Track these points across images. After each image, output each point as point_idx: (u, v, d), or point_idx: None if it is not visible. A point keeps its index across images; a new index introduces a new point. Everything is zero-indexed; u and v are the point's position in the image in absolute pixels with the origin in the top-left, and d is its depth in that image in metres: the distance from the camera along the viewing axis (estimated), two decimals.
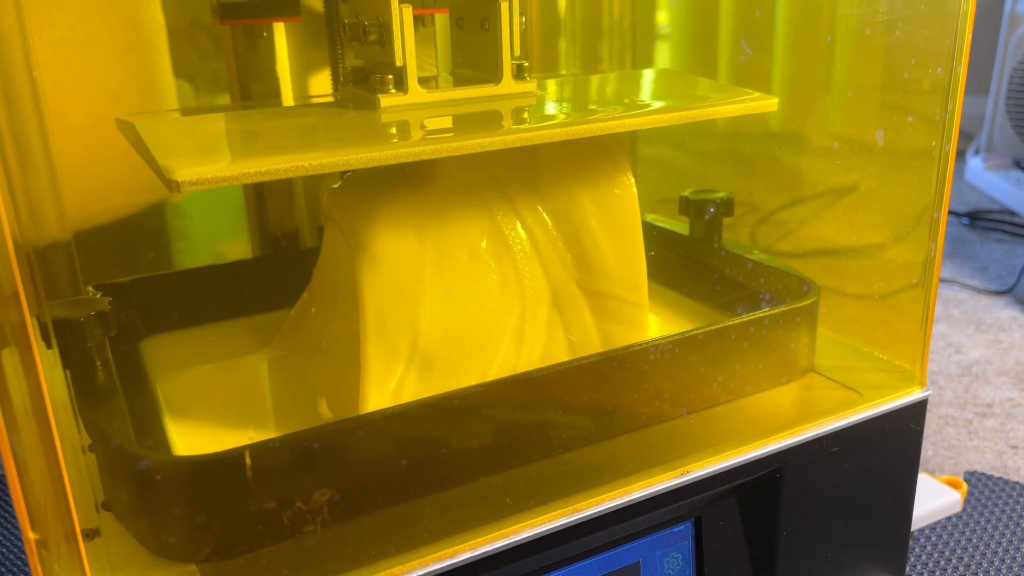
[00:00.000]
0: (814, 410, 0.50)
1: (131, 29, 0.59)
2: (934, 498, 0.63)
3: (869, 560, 0.53)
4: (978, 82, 1.72)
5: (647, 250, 0.51)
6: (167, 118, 0.52)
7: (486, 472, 0.44)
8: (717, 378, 0.50)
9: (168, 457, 0.41)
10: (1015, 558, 0.65)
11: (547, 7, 0.78)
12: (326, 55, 0.59)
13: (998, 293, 1.19)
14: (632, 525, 0.44)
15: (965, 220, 1.48)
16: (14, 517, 0.72)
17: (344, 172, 0.51)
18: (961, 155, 1.76)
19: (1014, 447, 0.82)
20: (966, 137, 1.81)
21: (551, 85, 0.56)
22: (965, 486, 0.65)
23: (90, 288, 0.54)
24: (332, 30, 0.56)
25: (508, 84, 0.48)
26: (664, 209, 0.68)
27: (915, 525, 0.60)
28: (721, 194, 0.62)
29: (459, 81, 0.50)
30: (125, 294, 0.55)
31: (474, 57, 0.50)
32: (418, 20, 0.51)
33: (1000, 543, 0.67)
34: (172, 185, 0.34)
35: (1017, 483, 0.75)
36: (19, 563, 0.67)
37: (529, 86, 0.49)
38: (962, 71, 0.48)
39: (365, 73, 0.48)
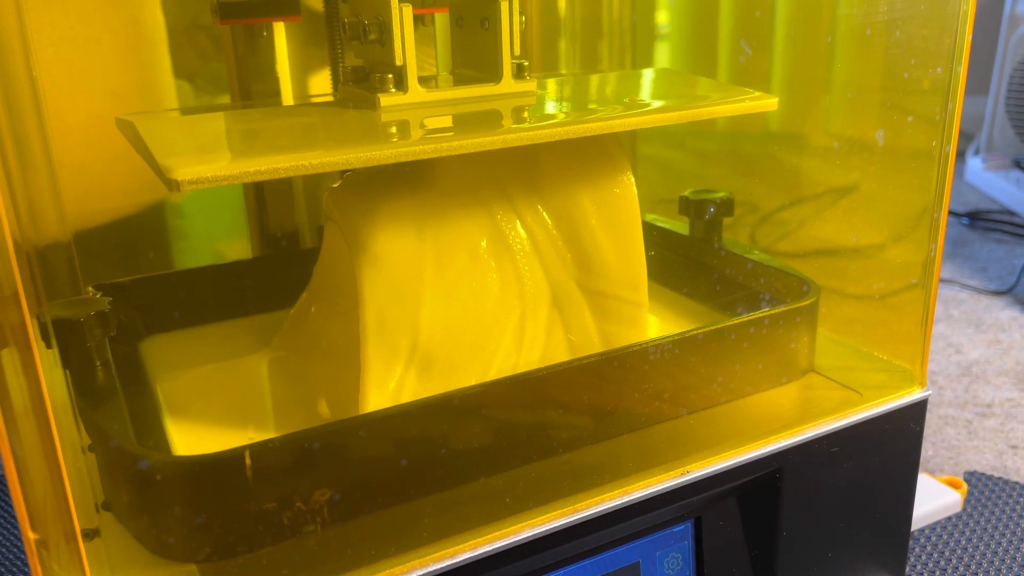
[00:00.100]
0: (814, 410, 0.50)
1: (131, 29, 0.59)
2: (934, 498, 0.63)
3: (869, 560, 0.53)
4: (978, 82, 1.72)
5: (647, 250, 0.51)
6: (167, 117, 0.52)
7: (486, 472, 0.44)
8: (717, 378, 0.50)
9: (168, 457, 0.40)
10: (1015, 558, 0.65)
11: (547, 7, 0.78)
12: (326, 55, 0.59)
13: (998, 293, 1.19)
14: (632, 525, 0.44)
15: (965, 220, 1.48)
16: (14, 517, 0.72)
17: (344, 171, 0.51)
18: (961, 155, 1.76)
19: (1014, 447, 0.82)
20: (966, 137, 1.81)
21: (551, 85, 0.56)
22: (965, 486, 0.65)
23: (90, 288, 0.54)
24: (332, 29, 0.56)
25: (508, 83, 0.48)
26: (664, 209, 0.68)
27: (915, 525, 0.60)
28: (721, 194, 0.62)
29: (459, 80, 0.50)
30: (125, 294, 0.55)
31: (474, 56, 0.50)
32: (418, 19, 0.51)
33: (1000, 543, 0.67)
34: (172, 184, 0.34)
35: (1017, 483, 0.75)
36: (19, 563, 0.67)
37: (529, 85, 0.49)
38: (962, 71, 0.48)
39: (365, 72, 0.48)
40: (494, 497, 0.43)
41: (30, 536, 0.32)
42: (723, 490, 0.47)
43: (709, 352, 0.49)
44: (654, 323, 0.56)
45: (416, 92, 0.46)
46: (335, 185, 0.48)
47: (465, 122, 0.45)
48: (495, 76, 0.48)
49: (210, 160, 0.37)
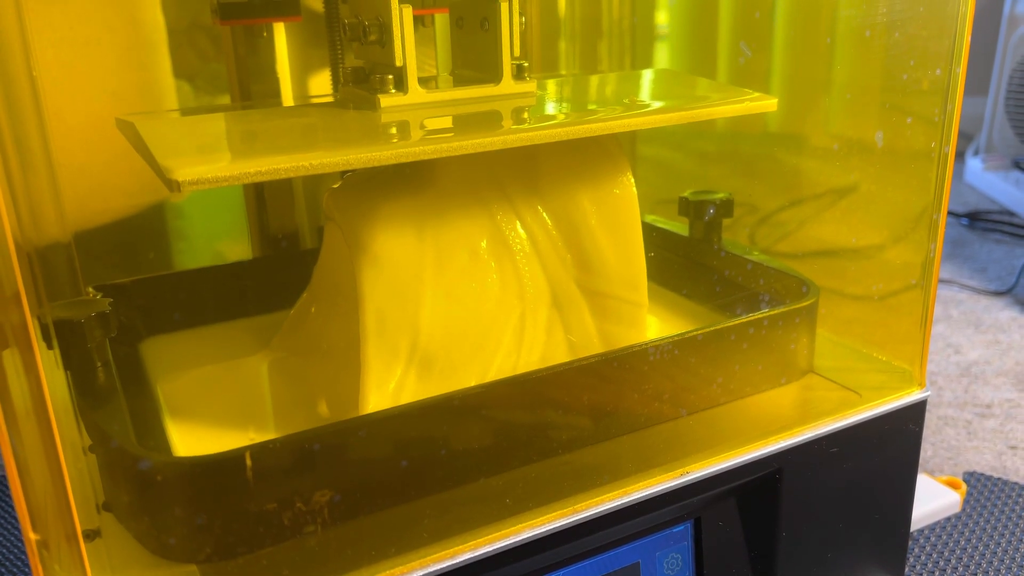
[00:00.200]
0: (813, 411, 0.50)
1: (131, 30, 0.59)
2: (933, 499, 0.64)
3: (868, 560, 0.53)
4: (977, 83, 1.72)
5: (646, 251, 0.51)
6: (167, 118, 0.52)
7: (486, 473, 0.44)
8: (717, 379, 0.50)
9: (168, 458, 0.41)
10: (1014, 558, 0.65)
11: (547, 7, 0.78)
12: (326, 55, 0.59)
13: (997, 294, 1.19)
14: (632, 526, 0.45)
15: (964, 221, 1.48)
16: (15, 518, 0.72)
17: (344, 172, 0.51)
18: (960, 156, 1.76)
19: (1013, 448, 0.82)
20: (965, 138, 1.81)
21: (551, 85, 0.57)
22: (964, 487, 0.65)
23: (90, 289, 0.54)
24: (332, 30, 0.56)
25: (508, 84, 0.48)
26: (664, 210, 0.68)
27: (914, 526, 0.60)
28: (720, 195, 0.62)
29: (459, 81, 0.50)
30: (125, 295, 0.55)
31: (474, 57, 0.50)
32: (418, 20, 0.51)
33: (999, 543, 0.67)
34: (172, 185, 0.34)
35: (1016, 484, 0.75)
36: (19, 563, 0.67)
37: (529, 86, 0.49)
38: (961, 72, 0.48)
39: (365, 73, 0.48)
40: (494, 498, 0.43)
41: (31, 536, 0.32)
42: (723, 491, 0.47)
43: (709, 353, 0.49)
44: (654, 324, 0.56)
45: (416, 93, 0.46)
46: (335, 186, 0.48)
47: (465, 123, 0.45)
48: (495, 77, 0.48)
49: (210, 161, 0.37)
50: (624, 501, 0.43)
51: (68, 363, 0.44)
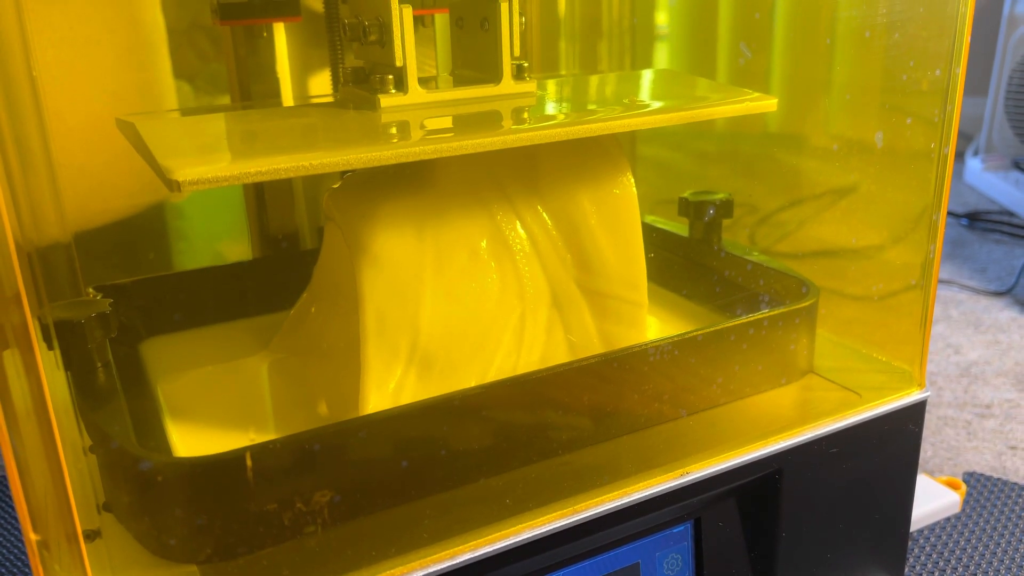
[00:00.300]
0: (813, 411, 0.50)
1: (131, 30, 0.59)
2: (933, 499, 0.64)
3: (868, 561, 0.53)
4: (977, 83, 1.72)
5: (646, 251, 0.51)
6: (167, 118, 0.52)
7: (486, 473, 0.44)
8: (717, 379, 0.50)
9: (169, 458, 0.40)
10: (1014, 559, 0.65)
11: (547, 7, 0.78)
12: (326, 55, 0.59)
13: (997, 294, 1.19)
14: (632, 526, 0.45)
15: (964, 221, 1.48)
16: (15, 518, 0.72)
17: (344, 172, 0.51)
18: (960, 156, 1.76)
19: (1013, 448, 0.82)
20: (965, 138, 1.81)
21: (551, 85, 0.57)
22: (964, 487, 0.65)
23: (90, 289, 0.54)
24: (332, 30, 0.56)
25: (508, 84, 0.48)
26: (663, 210, 0.68)
27: (914, 526, 0.60)
28: (720, 195, 0.62)
29: (459, 81, 0.50)
30: (125, 296, 0.55)
31: (474, 57, 0.50)
32: (418, 20, 0.51)
33: (999, 544, 0.67)
34: (172, 185, 0.34)
35: (1016, 484, 0.75)
36: (20, 563, 0.67)
37: (529, 86, 0.49)
38: (961, 72, 0.48)
39: (365, 73, 0.48)
40: (494, 498, 0.43)
41: (32, 537, 0.32)
42: (723, 491, 0.47)
43: (709, 353, 0.49)
44: (654, 324, 0.56)
45: (416, 93, 0.46)
46: (335, 186, 0.48)
47: (465, 123, 0.45)
48: (495, 77, 0.48)
49: (211, 161, 0.37)
50: (624, 501, 0.43)
51: (68, 364, 0.44)
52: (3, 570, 0.66)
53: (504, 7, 0.46)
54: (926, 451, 0.81)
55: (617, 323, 0.51)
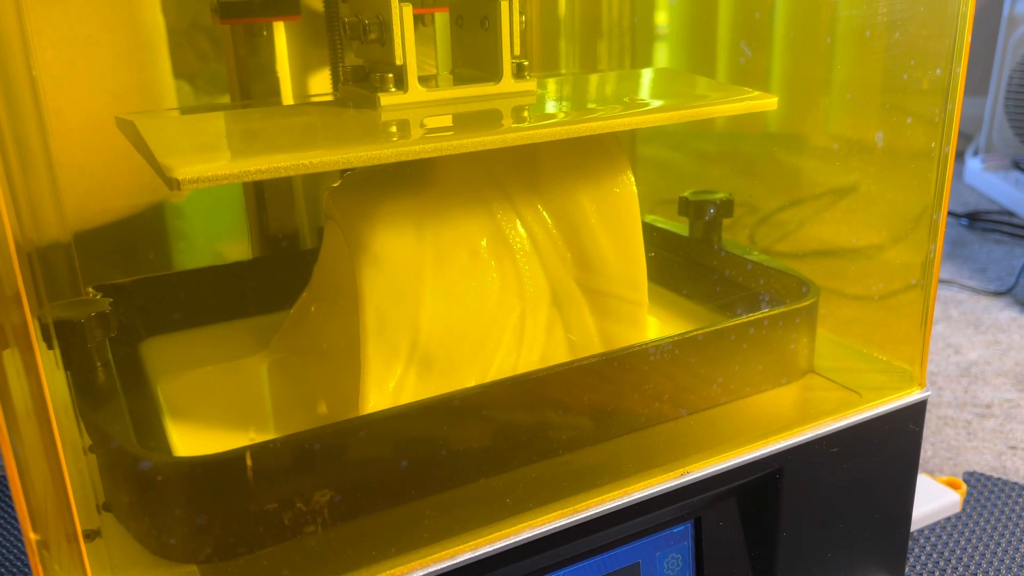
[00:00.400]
0: (814, 411, 0.50)
1: (131, 30, 0.59)
2: (933, 499, 0.64)
3: (869, 561, 0.53)
4: (977, 83, 1.72)
5: (646, 251, 0.51)
6: (167, 117, 0.52)
7: (486, 473, 0.44)
8: (717, 379, 0.50)
9: (169, 458, 0.40)
10: (1014, 558, 0.65)
11: (547, 6, 0.78)
12: (326, 54, 0.59)
13: (997, 294, 1.19)
14: (632, 526, 0.45)
15: (964, 221, 1.48)
16: (15, 518, 0.72)
17: (344, 171, 0.51)
18: (960, 156, 1.76)
19: (1013, 448, 0.82)
20: (965, 138, 1.81)
21: (551, 84, 0.57)
22: (964, 487, 0.65)
23: (90, 289, 0.54)
24: (332, 29, 0.56)
25: (508, 83, 0.48)
26: (663, 210, 0.68)
27: (914, 526, 0.60)
28: (720, 195, 0.62)
29: (459, 80, 0.50)
30: (125, 295, 0.55)
31: (474, 56, 0.50)
32: (418, 20, 0.51)
33: (999, 544, 0.67)
34: (172, 183, 0.34)
35: (1016, 484, 0.75)
36: (19, 563, 0.67)
37: (529, 85, 0.49)
38: (961, 72, 0.48)
39: (365, 72, 0.48)
40: (494, 498, 0.43)
41: (31, 537, 0.32)
42: (723, 491, 0.47)
43: (709, 353, 0.49)
44: (654, 324, 0.56)
45: (416, 91, 0.46)
46: (335, 185, 0.48)
47: (465, 121, 0.45)
48: (495, 76, 0.48)
49: (211, 159, 0.37)
50: (624, 501, 0.43)
51: (68, 363, 0.44)
52: (3, 570, 0.66)
53: (504, 6, 0.46)
54: (926, 451, 0.81)
55: (617, 322, 0.51)
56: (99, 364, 0.45)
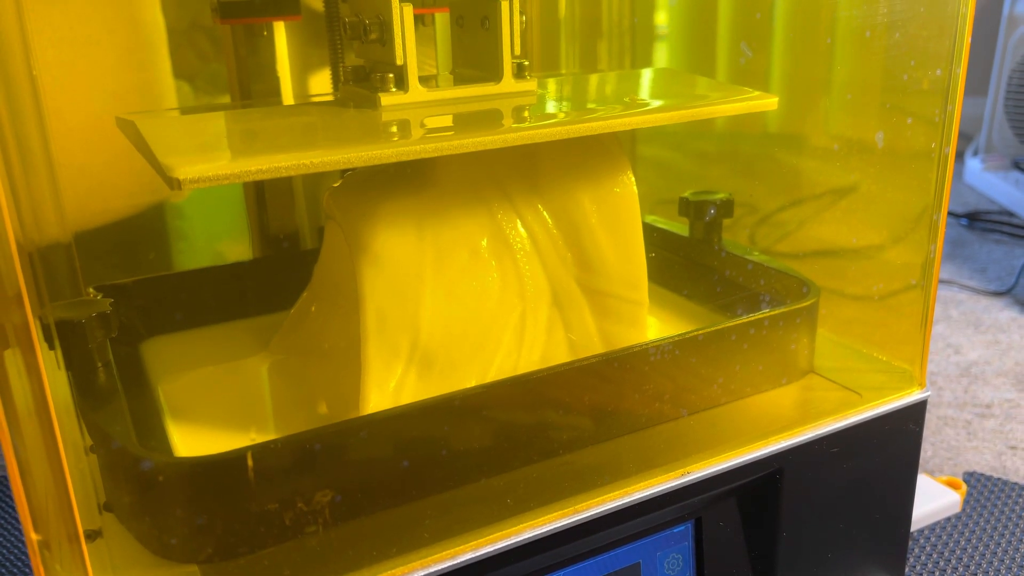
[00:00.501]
0: (814, 411, 0.50)
1: (131, 30, 0.59)
2: (933, 499, 0.64)
3: (869, 561, 0.53)
4: (977, 83, 1.72)
5: (647, 251, 0.51)
6: (168, 116, 0.52)
7: (487, 473, 0.44)
8: (717, 379, 0.50)
9: (170, 458, 0.40)
10: (1014, 559, 0.65)
11: (547, 6, 0.78)
12: (326, 54, 0.59)
13: (997, 294, 1.19)
14: (632, 526, 0.45)
15: (964, 221, 1.48)
16: (16, 518, 0.72)
17: (344, 171, 0.51)
18: (960, 156, 1.76)
19: (1013, 448, 0.82)
20: (965, 138, 1.81)
21: (551, 84, 0.57)
22: (964, 487, 0.65)
23: (91, 289, 0.54)
24: (332, 29, 0.56)
25: (508, 83, 0.48)
26: (664, 210, 0.68)
27: (914, 526, 0.60)
28: (721, 195, 0.62)
29: (459, 80, 0.50)
30: (126, 295, 0.55)
31: (474, 56, 0.50)
32: (418, 20, 0.51)
33: (999, 544, 0.67)
34: (173, 183, 0.34)
35: (1016, 484, 0.75)
36: (20, 563, 0.67)
37: (529, 85, 0.49)
38: (961, 72, 0.48)
39: (366, 72, 0.48)
40: (495, 498, 0.43)
41: (33, 537, 0.32)
42: (723, 491, 0.47)
43: (709, 353, 0.49)
44: (654, 325, 0.56)
45: (417, 91, 0.46)
46: (335, 184, 0.48)
47: (465, 121, 0.45)
48: (495, 75, 0.48)
49: (211, 159, 0.37)
50: (625, 501, 0.43)
51: (69, 363, 0.44)
52: (3, 570, 0.66)
53: (505, 6, 0.46)
54: (926, 451, 0.81)
55: (617, 322, 0.51)
56: (100, 364, 0.45)
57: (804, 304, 0.52)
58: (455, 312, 0.47)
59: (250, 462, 0.38)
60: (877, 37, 0.54)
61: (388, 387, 0.45)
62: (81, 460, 0.41)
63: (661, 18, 0.77)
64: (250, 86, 0.60)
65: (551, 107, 0.49)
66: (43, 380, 0.30)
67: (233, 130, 0.46)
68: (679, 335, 0.48)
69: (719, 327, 0.49)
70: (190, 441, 0.45)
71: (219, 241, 0.67)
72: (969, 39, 0.47)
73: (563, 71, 0.79)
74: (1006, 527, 0.69)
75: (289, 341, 0.54)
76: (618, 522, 0.43)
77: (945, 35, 0.48)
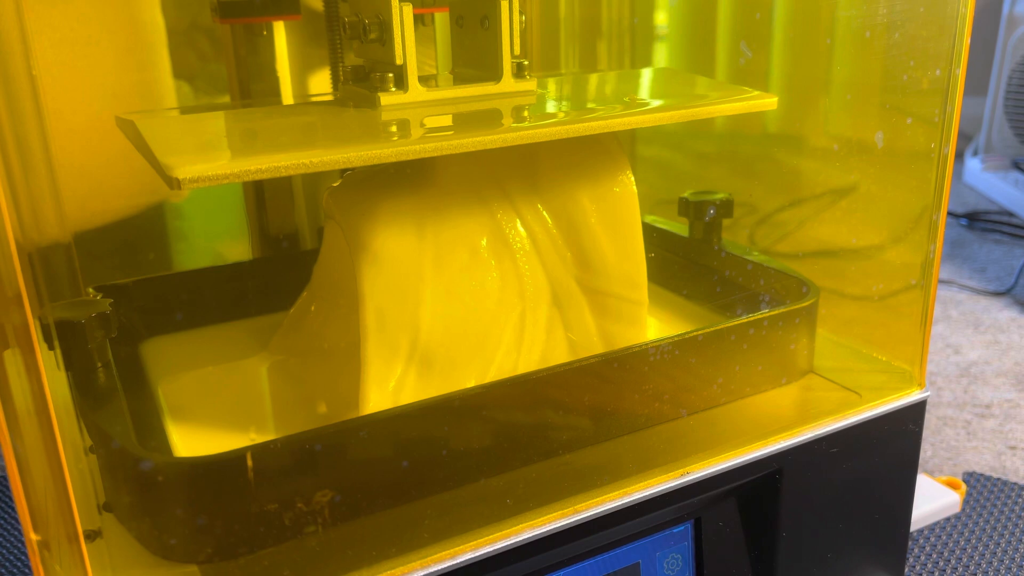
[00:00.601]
0: (813, 411, 0.50)
1: (131, 30, 0.59)
2: (933, 499, 0.64)
3: (868, 561, 0.53)
4: (976, 83, 1.72)
5: (646, 251, 0.51)
6: (167, 116, 0.52)
7: (487, 473, 0.44)
8: (717, 379, 0.50)
9: (169, 458, 0.40)
10: (1014, 559, 0.65)
11: (547, 6, 0.78)
12: (326, 54, 0.59)
13: (996, 294, 1.19)
14: (632, 526, 0.45)
15: (963, 221, 1.48)
16: (16, 518, 0.72)
17: (344, 171, 0.51)
18: (959, 156, 1.76)
19: (1013, 448, 0.82)
20: (964, 138, 1.81)
21: (551, 84, 0.57)
22: (964, 487, 0.65)
23: (91, 290, 0.54)
24: (332, 29, 0.56)
25: (508, 82, 0.48)
26: (663, 210, 0.68)
27: (914, 526, 0.60)
28: (720, 195, 0.62)
29: (459, 80, 0.50)
30: (126, 296, 0.55)
31: (474, 56, 0.50)
32: (417, 20, 0.51)
33: (999, 544, 0.67)
34: (173, 182, 0.34)
35: (1016, 484, 0.75)
36: (20, 563, 0.67)
37: (529, 84, 0.49)
38: (961, 72, 0.48)
39: (365, 71, 0.48)
40: (495, 498, 0.43)
41: (32, 537, 0.32)
42: (723, 491, 0.47)
43: (709, 353, 0.49)
44: (654, 324, 0.56)
45: (416, 91, 0.46)
46: (335, 184, 0.48)
47: (465, 121, 0.45)
48: (495, 75, 0.48)
49: (211, 158, 0.37)
50: (624, 501, 0.43)
51: (69, 364, 0.44)
52: (3, 570, 0.66)
53: (504, 5, 0.46)
54: (926, 451, 0.81)
55: (617, 321, 0.51)
56: (100, 364, 0.45)
57: (804, 304, 0.52)
58: (455, 311, 0.47)
59: (249, 462, 0.38)
60: (877, 37, 0.54)
61: (388, 386, 0.45)
62: (81, 460, 0.41)
63: (661, 18, 0.77)
64: (250, 86, 0.60)
65: (551, 107, 0.49)
66: (43, 380, 0.30)
67: (233, 130, 0.46)
68: (679, 335, 0.48)
69: (719, 327, 0.49)
70: (190, 441, 0.45)
71: (219, 241, 0.67)
72: (969, 39, 0.47)
73: (563, 71, 0.79)
74: (1006, 527, 0.69)
75: (289, 341, 0.54)
76: (617, 522, 0.43)
77: (945, 35, 0.48)
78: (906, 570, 0.63)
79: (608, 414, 0.47)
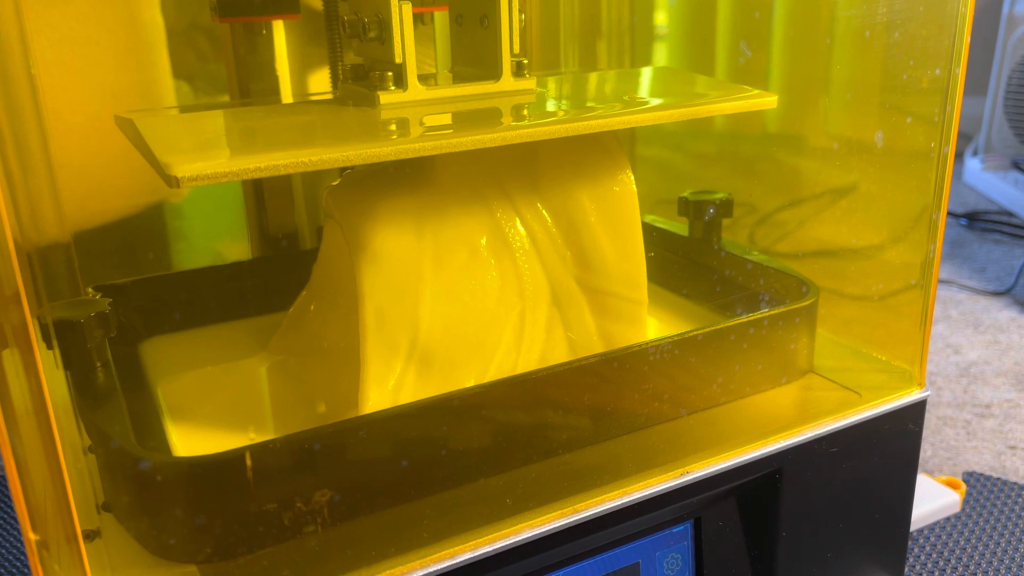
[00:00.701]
0: (813, 411, 0.50)
1: (131, 30, 0.59)
2: (933, 499, 0.64)
3: (868, 560, 0.53)
4: (976, 83, 1.72)
5: (646, 251, 0.51)
6: (166, 115, 0.52)
7: (486, 473, 0.44)
8: (716, 379, 0.50)
9: (168, 458, 0.40)
10: (1014, 558, 0.65)
11: (547, 5, 0.78)
12: (325, 53, 0.59)
13: (996, 294, 1.19)
14: (632, 526, 0.44)
15: (963, 221, 1.48)
16: (14, 518, 0.72)
17: (343, 169, 0.51)
18: (959, 156, 1.76)
19: (1012, 448, 0.82)
20: (964, 138, 1.81)
21: (550, 82, 0.56)
22: (964, 487, 0.65)
23: (90, 289, 0.54)
24: (331, 27, 0.56)
25: (508, 81, 0.48)
26: (663, 210, 0.68)
27: (914, 526, 0.60)
28: (720, 195, 0.62)
29: (459, 78, 0.50)
30: (125, 295, 0.55)
31: (474, 54, 0.50)
32: (417, 19, 0.51)
33: (999, 543, 0.67)
34: (172, 181, 0.34)
35: (1016, 484, 0.75)
36: (19, 563, 0.67)
37: (528, 83, 0.49)
38: (961, 72, 0.48)
39: (364, 70, 0.48)
40: (494, 498, 0.43)
41: (31, 537, 0.32)
42: (723, 491, 0.47)
43: (709, 353, 0.49)
44: (653, 324, 0.56)
45: (416, 90, 0.46)
46: (334, 183, 0.48)
47: (465, 119, 0.45)
48: (495, 74, 0.48)
49: (210, 157, 0.37)
50: (624, 501, 0.43)
51: (68, 363, 0.44)
52: (3, 570, 0.66)
53: (504, 4, 0.46)
54: (926, 451, 0.81)
55: (617, 321, 0.51)
56: (99, 364, 0.45)
57: (803, 304, 0.52)
58: (454, 311, 0.46)
59: (249, 462, 0.38)
60: (877, 36, 0.54)
61: (387, 386, 0.45)
62: (79, 460, 0.41)
63: (661, 17, 0.77)
64: (249, 85, 0.60)
65: (550, 105, 0.49)
66: (41, 380, 0.30)
67: (232, 128, 0.46)
68: (679, 335, 0.48)
69: (718, 327, 0.49)
70: (189, 441, 0.45)
71: (218, 241, 0.66)
72: (968, 38, 0.47)
73: (562, 70, 0.79)
74: (1005, 527, 0.69)
75: (288, 341, 0.54)
76: (617, 522, 0.43)
77: (944, 34, 0.48)
78: (906, 570, 0.63)
79: (608, 414, 0.47)
